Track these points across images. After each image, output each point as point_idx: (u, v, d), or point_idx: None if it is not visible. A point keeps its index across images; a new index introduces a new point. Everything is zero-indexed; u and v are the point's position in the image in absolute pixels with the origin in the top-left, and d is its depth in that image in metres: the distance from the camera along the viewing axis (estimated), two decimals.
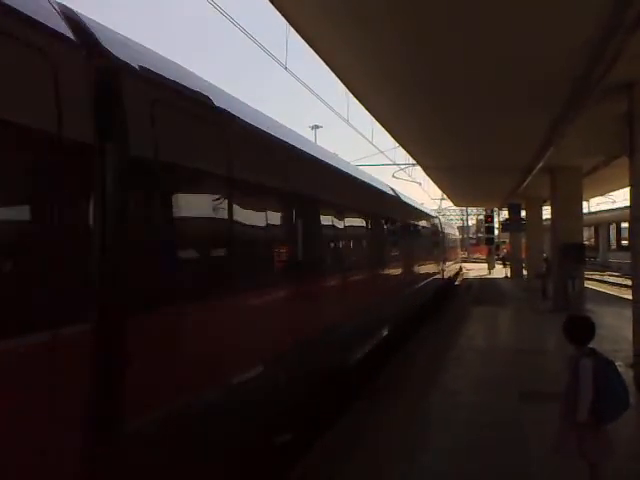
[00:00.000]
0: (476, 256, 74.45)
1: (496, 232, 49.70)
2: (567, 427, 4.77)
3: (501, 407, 8.29)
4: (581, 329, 4.88)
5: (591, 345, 4.86)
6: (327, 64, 9.77)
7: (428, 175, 26.94)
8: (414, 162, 24.89)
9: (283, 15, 7.80)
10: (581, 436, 4.68)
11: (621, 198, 47.59)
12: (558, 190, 20.19)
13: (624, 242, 41.23)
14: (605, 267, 44.86)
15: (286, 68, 12.15)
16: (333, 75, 10.35)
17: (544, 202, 29.90)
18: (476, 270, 49.59)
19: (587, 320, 5.05)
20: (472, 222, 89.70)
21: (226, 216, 4.95)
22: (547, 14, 7.54)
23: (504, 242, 53.38)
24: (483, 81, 10.50)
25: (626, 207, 13.57)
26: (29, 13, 3.07)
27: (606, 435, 4.72)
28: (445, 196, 43.50)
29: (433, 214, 25.90)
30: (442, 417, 7.99)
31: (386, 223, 13.11)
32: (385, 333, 12.02)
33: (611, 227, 46.78)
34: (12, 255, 2.84)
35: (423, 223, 19.96)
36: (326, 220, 8.26)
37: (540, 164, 17.24)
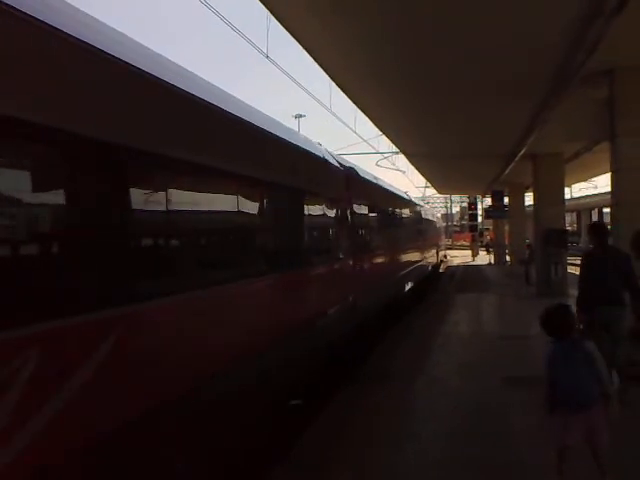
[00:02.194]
0: (460, 243, 74.82)
1: (479, 219, 49.94)
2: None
3: (485, 392, 8.37)
4: (553, 321, 4.88)
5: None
6: (309, 53, 9.74)
7: (411, 163, 27.00)
8: (397, 150, 24.93)
9: (264, 3, 7.76)
10: (549, 421, 4.79)
11: (603, 183, 48.01)
12: (540, 177, 20.33)
13: None
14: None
15: (267, 57, 12.10)
16: (316, 64, 10.32)
17: (527, 189, 30.08)
18: (460, 257, 49.84)
19: (559, 309, 5.03)
20: (456, 209, 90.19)
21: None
22: (528, 2, 7.57)
23: (487, 229, 53.65)
24: (466, 69, 10.51)
25: (608, 192, 13.70)
26: None
27: (576, 422, 4.63)
28: (429, 184, 43.60)
29: (332, 161, 10.67)
30: (427, 404, 8.04)
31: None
32: None
33: (593, 212, 47.15)
34: None
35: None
36: None
37: (522, 151, 17.33)
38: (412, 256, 20.58)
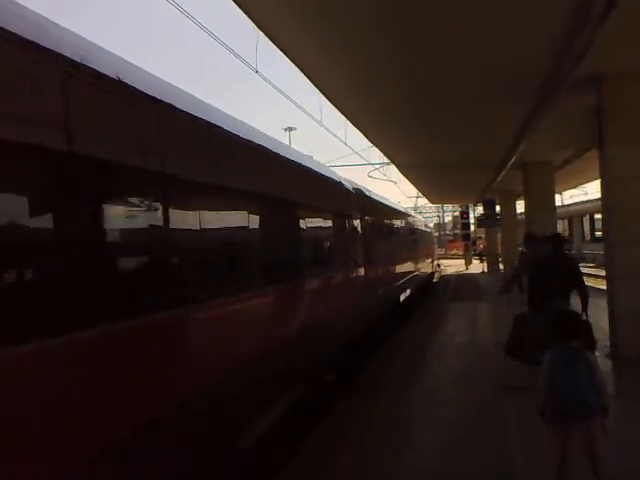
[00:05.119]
0: (453, 252, 74.88)
1: (472, 228, 50.02)
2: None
3: (482, 400, 8.35)
4: (559, 325, 4.88)
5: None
6: (298, 66, 9.77)
7: (402, 173, 27.06)
8: (388, 161, 24.99)
9: (252, 20, 7.79)
10: (549, 431, 4.77)
11: (593, 190, 48.16)
12: (531, 184, 20.46)
13: (598, 233, 41.71)
14: (580, 258, 45.23)
15: (257, 71, 12.11)
16: (305, 77, 10.35)
17: (518, 197, 30.19)
18: (454, 266, 49.86)
19: (571, 315, 5.03)
20: (448, 219, 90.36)
21: None
22: (516, 12, 7.63)
23: (480, 237, 53.73)
24: (455, 78, 10.57)
25: (598, 199, 13.80)
26: None
27: (575, 432, 4.60)
28: (421, 194, 43.68)
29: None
30: (423, 414, 8.02)
31: None
32: None
33: (584, 219, 47.29)
34: None
35: None
36: None
37: (512, 159, 17.41)
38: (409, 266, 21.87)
